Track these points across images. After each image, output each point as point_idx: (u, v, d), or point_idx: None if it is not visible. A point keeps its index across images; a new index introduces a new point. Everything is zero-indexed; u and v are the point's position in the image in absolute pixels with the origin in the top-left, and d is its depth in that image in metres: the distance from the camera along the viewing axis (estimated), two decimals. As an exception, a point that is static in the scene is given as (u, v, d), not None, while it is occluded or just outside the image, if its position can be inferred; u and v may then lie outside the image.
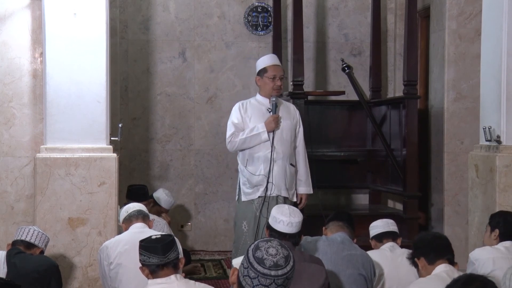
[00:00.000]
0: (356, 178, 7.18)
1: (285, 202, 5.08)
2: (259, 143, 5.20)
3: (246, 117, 5.27)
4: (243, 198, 5.26)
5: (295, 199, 5.35)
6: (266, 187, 5.15)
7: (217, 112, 7.28)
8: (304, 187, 5.43)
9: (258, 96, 5.37)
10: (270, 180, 5.16)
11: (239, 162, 5.35)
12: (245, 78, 7.31)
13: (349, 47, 7.50)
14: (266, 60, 5.39)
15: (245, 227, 5.22)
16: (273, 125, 5.18)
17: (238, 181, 5.35)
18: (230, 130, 5.27)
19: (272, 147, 5.17)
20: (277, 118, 5.21)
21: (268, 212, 5.04)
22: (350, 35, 7.51)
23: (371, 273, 4.08)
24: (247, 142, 5.21)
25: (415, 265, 3.75)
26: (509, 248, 4.09)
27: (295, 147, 5.38)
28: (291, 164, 5.30)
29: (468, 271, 4.03)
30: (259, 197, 5.19)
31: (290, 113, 5.39)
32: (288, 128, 5.30)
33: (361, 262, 4.03)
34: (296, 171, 5.38)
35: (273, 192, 5.17)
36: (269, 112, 5.24)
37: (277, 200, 5.16)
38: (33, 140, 5.30)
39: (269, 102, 5.26)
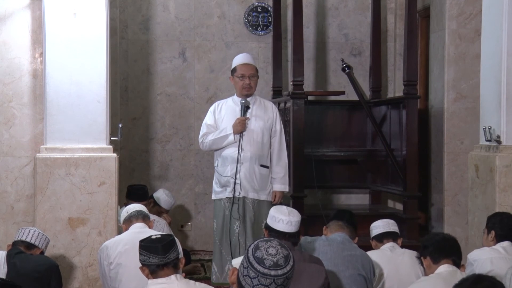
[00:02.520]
0: (356, 178, 7.17)
1: (259, 205, 5.21)
2: (227, 145, 5.29)
3: (219, 118, 5.37)
4: (213, 197, 5.41)
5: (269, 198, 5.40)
6: (234, 188, 5.21)
7: (217, 112, 7.27)
8: (279, 185, 5.42)
9: (235, 96, 5.47)
10: (238, 181, 5.23)
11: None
12: (245, 78, 7.30)
13: (349, 47, 7.50)
14: (237, 59, 5.48)
15: (215, 226, 5.34)
16: (239, 128, 5.25)
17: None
18: (202, 130, 5.40)
19: (239, 148, 5.22)
20: (244, 120, 5.26)
21: (238, 213, 5.17)
22: (350, 35, 7.50)
23: (370, 274, 4.08)
24: (216, 143, 5.33)
25: (423, 264, 3.76)
26: (507, 248, 4.10)
27: (267, 147, 5.40)
28: (263, 165, 5.33)
29: (467, 271, 4.04)
30: (226, 197, 5.28)
31: (266, 113, 5.41)
32: (260, 129, 5.34)
33: (361, 263, 4.03)
34: (268, 172, 5.40)
35: (240, 193, 5.24)
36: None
37: (244, 201, 5.26)
38: (33, 140, 5.30)
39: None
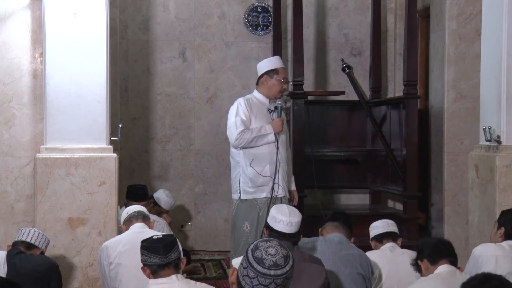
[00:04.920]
0: (356, 178, 7.18)
1: (281, 201, 5.15)
2: (265, 144, 5.20)
3: (252, 115, 5.24)
4: (244, 197, 5.22)
5: (288, 195, 5.39)
6: (273, 188, 5.16)
7: (217, 112, 7.28)
8: (293, 184, 5.52)
9: (258, 95, 5.32)
10: (276, 181, 5.18)
11: (239, 159, 5.26)
12: (245, 78, 7.30)
13: (349, 47, 7.50)
14: (277, 61, 5.39)
15: (246, 228, 5.21)
16: (280, 128, 5.20)
17: (238, 179, 5.28)
18: (239, 127, 5.15)
19: (277, 149, 5.19)
20: (283, 121, 5.24)
21: None
22: (350, 35, 7.51)
23: (369, 272, 4.09)
24: (255, 141, 5.18)
25: (419, 269, 3.76)
26: None
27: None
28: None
29: (469, 265, 4.07)
30: (264, 198, 5.19)
31: (285, 116, 5.44)
32: (285, 130, 5.36)
33: (359, 261, 4.04)
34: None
35: (279, 193, 5.21)
36: (270, 113, 5.26)
37: (281, 200, 5.20)
38: (33, 140, 5.30)
39: (269, 103, 5.28)
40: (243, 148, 5.22)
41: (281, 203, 5.06)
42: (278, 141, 5.20)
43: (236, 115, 5.22)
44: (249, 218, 5.20)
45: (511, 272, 3.49)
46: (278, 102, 5.24)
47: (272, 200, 5.15)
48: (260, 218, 5.17)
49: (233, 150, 5.32)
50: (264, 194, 5.18)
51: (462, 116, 6.51)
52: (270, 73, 5.29)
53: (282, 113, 5.29)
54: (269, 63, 5.36)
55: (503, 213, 4.32)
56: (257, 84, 5.38)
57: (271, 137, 5.18)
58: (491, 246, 4.12)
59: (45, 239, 4.48)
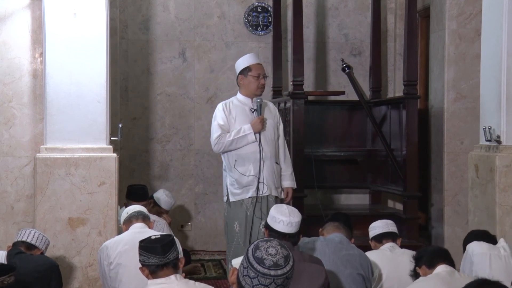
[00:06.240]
0: (356, 178, 7.18)
1: (276, 201, 5.13)
2: (246, 145, 5.17)
3: (231, 118, 5.23)
4: (232, 199, 5.22)
5: (282, 196, 5.35)
6: (258, 187, 5.15)
7: (217, 112, 7.27)
8: (289, 181, 5.41)
9: (240, 96, 5.32)
10: (261, 180, 5.15)
11: (225, 162, 5.29)
12: (245, 78, 7.30)
13: (349, 47, 7.50)
14: (250, 58, 5.35)
15: (236, 228, 5.22)
16: (260, 127, 5.16)
17: (225, 182, 5.29)
18: (216, 132, 5.19)
19: (260, 147, 5.16)
20: (263, 119, 5.20)
21: (261, 212, 5.09)
22: (350, 35, 7.51)
23: (369, 273, 4.09)
24: (234, 143, 5.17)
25: (418, 277, 3.76)
26: (505, 247, 4.11)
27: (278, 145, 5.38)
28: (276, 163, 5.30)
29: (463, 261, 4.07)
30: (249, 197, 5.17)
31: (271, 112, 5.38)
32: (272, 127, 5.30)
33: (359, 262, 4.03)
34: (280, 169, 5.39)
35: (264, 192, 5.17)
36: (252, 112, 5.22)
37: (267, 199, 5.17)
38: (33, 140, 5.31)
39: (252, 102, 5.25)
40: (225, 152, 5.22)
41: (267, 201, 5.11)
42: (261, 139, 5.17)
43: (214, 120, 5.25)
44: (238, 218, 5.19)
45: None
46: (257, 100, 5.22)
47: (258, 199, 5.13)
48: (248, 217, 5.16)
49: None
50: (250, 193, 5.16)
51: (462, 116, 6.51)
52: (244, 71, 5.27)
53: (266, 111, 5.26)
54: (242, 62, 5.34)
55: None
56: (238, 85, 5.37)
57: (251, 137, 5.15)
58: (484, 244, 4.14)
59: (45, 240, 4.49)
